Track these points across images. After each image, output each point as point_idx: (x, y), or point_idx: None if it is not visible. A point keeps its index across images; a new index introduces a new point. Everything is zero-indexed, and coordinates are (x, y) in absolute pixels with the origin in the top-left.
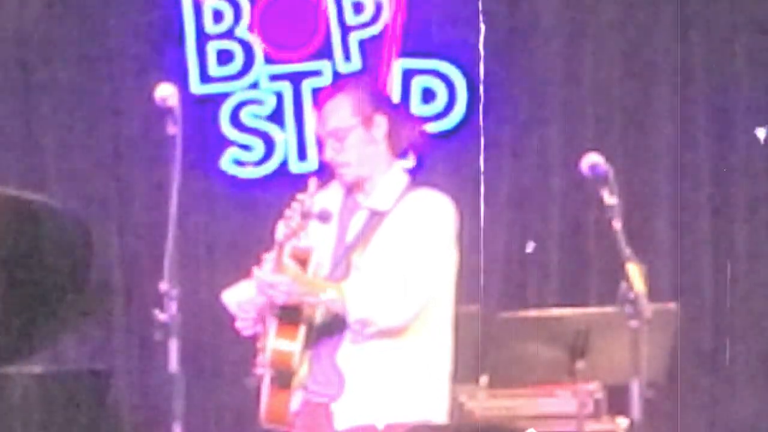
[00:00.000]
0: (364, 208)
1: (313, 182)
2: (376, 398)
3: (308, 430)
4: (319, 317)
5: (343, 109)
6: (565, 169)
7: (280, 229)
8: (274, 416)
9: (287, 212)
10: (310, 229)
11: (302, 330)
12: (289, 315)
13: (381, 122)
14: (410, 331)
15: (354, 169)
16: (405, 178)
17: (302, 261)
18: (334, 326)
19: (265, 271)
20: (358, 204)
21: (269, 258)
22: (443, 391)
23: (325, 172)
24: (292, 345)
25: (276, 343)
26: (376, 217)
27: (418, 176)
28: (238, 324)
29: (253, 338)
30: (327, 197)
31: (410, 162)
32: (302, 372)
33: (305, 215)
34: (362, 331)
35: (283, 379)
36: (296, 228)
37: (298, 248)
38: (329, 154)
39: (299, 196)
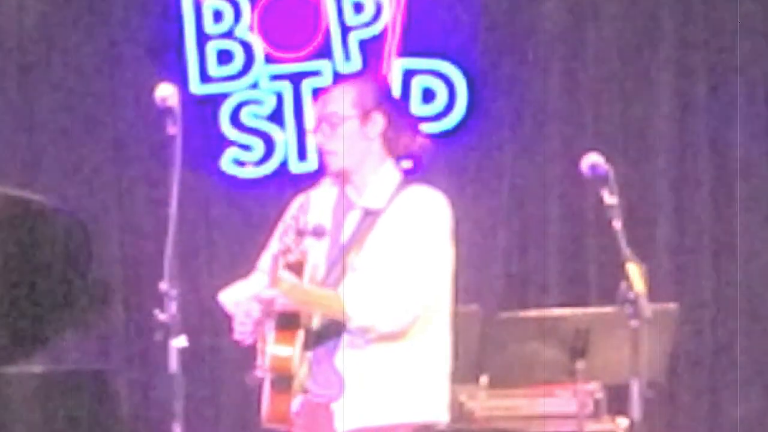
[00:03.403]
0: (357, 207)
1: (307, 199)
2: (376, 399)
3: (309, 429)
4: (316, 322)
5: (345, 97)
6: (565, 169)
7: (274, 244)
8: (275, 417)
9: (281, 225)
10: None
11: (300, 335)
12: (287, 321)
13: (378, 120)
14: (409, 331)
15: (340, 159)
16: (398, 176)
17: (297, 265)
18: (332, 330)
19: (260, 283)
20: (352, 203)
21: (263, 268)
22: (444, 390)
23: (324, 173)
24: (291, 350)
25: (274, 348)
26: (370, 216)
27: (417, 177)
28: (237, 335)
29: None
30: (319, 195)
31: (409, 163)
32: (302, 375)
33: (300, 233)
34: (363, 337)
35: (283, 382)
36: (291, 245)
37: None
38: (319, 139)
39: (294, 212)
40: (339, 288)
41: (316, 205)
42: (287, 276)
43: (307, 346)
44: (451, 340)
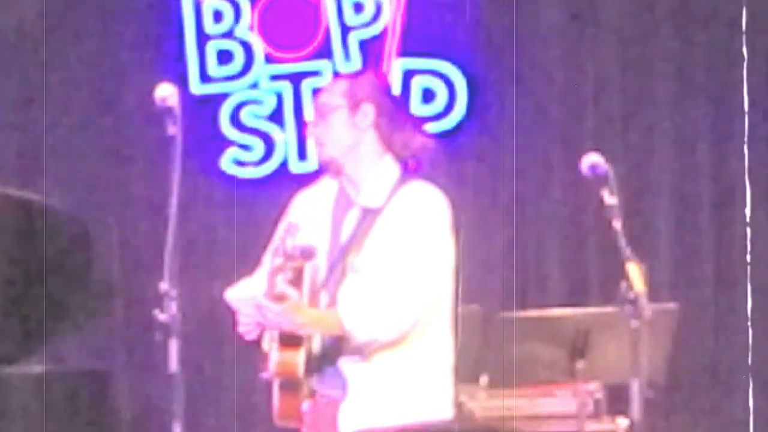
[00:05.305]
0: (356, 206)
1: (294, 226)
2: (380, 401)
3: (318, 428)
4: (317, 342)
5: (336, 89)
6: (565, 169)
7: (267, 261)
8: (286, 415)
9: (273, 244)
10: (303, 234)
11: (304, 340)
12: (290, 338)
13: (369, 111)
14: (411, 333)
15: (328, 150)
16: (396, 172)
17: (297, 271)
18: (334, 349)
19: (264, 281)
20: (351, 201)
21: (267, 265)
22: (447, 387)
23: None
24: (296, 356)
25: (280, 354)
26: (369, 215)
27: (417, 175)
28: (242, 327)
29: (258, 340)
30: (319, 193)
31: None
32: (309, 380)
33: (289, 257)
34: (365, 350)
35: (292, 385)
36: (282, 266)
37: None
38: (311, 129)
39: (281, 233)
40: (340, 289)
41: (314, 205)
42: (287, 290)
43: (309, 367)
44: (452, 336)
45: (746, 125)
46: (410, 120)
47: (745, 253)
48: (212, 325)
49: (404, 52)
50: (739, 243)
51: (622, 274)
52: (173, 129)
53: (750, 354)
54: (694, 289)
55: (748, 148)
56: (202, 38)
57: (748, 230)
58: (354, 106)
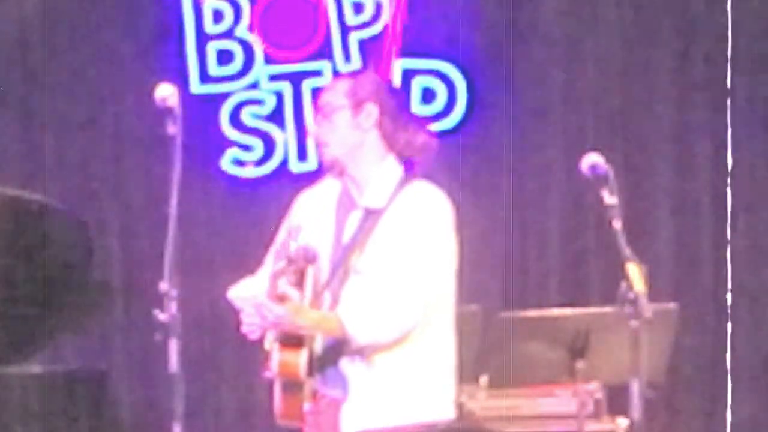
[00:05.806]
0: (359, 207)
1: (296, 228)
2: (382, 401)
3: (319, 427)
4: (319, 342)
5: (338, 88)
6: (565, 169)
7: (269, 262)
8: (288, 415)
9: (275, 246)
10: (306, 235)
11: (306, 341)
12: (291, 339)
13: (372, 111)
14: (412, 333)
15: (331, 150)
16: (399, 172)
17: (299, 273)
18: (335, 351)
19: (266, 280)
20: (354, 202)
21: (269, 264)
22: (449, 387)
23: (325, 173)
24: (298, 356)
25: (282, 355)
26: (372, 216)
27: (418, 175)
28: (245, 328)
29: (259, 340)
30: (322, 194)
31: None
32: (311, 381)
33: (291, 260)
34: (366, 351)
35: (294, 386)
36: (284, 269)
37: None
38: (313, 129)
39: (284, 235)
40: (342, 290)
41: (317, 205)
42: (290, 291)
43: (311, 367)
44: (455, 336)
45: (745, 125)
46: (413, 119)
47: (745, 253)
48: (212, 325)
49: (404, 52)
50: (738, 243)
51: (622, 274)
52: (173, 129)
53: (749, 354)
54: (694, 289)
55: (748, 148)
56: (202, 38)
57: (748, 230)
58: (357, 105)
